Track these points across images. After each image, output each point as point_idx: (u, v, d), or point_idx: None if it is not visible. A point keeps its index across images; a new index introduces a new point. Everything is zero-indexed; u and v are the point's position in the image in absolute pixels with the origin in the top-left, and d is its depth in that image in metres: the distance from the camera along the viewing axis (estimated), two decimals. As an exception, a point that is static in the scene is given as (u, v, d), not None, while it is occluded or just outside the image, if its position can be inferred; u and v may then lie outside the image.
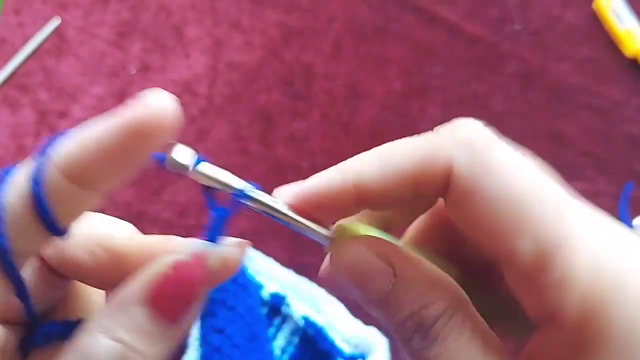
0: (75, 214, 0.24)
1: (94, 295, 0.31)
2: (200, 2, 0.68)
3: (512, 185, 0.23)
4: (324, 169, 0.28)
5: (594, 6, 0.70)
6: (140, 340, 0.23)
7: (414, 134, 0.28)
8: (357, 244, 0.26)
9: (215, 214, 0.25)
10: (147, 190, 0.60)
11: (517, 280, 0.24)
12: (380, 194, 0.26)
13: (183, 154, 0.25)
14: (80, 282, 0.28)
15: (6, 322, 0.27)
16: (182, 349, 0.55)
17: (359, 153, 0.27)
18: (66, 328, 0.26)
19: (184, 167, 0.24)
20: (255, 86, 0.65)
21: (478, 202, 0.24)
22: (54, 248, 0.27)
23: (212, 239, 0.25)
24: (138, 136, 0.23)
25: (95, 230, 0.28)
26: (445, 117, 0.27)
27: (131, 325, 0.23)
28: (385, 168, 0.25)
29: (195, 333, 0.54)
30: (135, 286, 0.24)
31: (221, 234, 0.25)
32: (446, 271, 0.27)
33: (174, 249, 0.26)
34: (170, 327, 0.24)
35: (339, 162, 0.27)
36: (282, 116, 0.64)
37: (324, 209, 0.26)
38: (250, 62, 0.66)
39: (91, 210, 0.25)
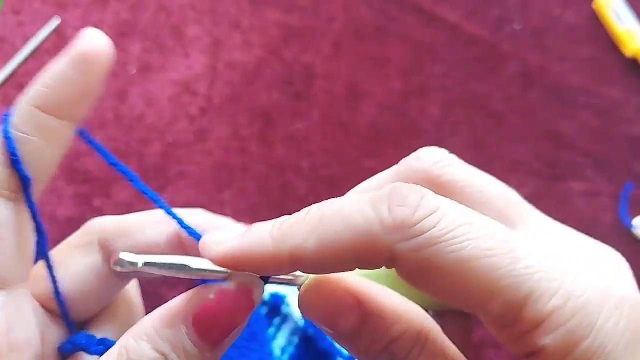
0: (58, 145, 0.28)
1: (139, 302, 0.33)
2: (200, 2, 0.68)
3: (462, 258, 0.22)
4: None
5: (594, 6, 0.70)
6: (180, 357, 0.24)
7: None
8: (322, 283, 0.26)
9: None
10: (147, 190, 0.60)
11: (494, 329, 0.24)
12: (318, 268, 0.25)
13: (129, 255, 0.24)
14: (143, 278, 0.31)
15: (53, 315, 0.28)
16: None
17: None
18: (91, 341, 0.28)
19: (134, 265, 0.24)
20: (255, 86, 0.65)
21: (432, 280, 0.23)
22: (123, 239, 0.30)
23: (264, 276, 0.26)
24: (86, 62, 0.28)
25: (161, 223, 0.30)
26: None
27: (175, 341, 0.24)
28: (323, 247, 0.24)
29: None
30: (183, 305, 0.25)
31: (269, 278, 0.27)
32: (419, 296, 0.27)
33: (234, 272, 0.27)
34: (210, 350, 0.25)
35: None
36: (282, 116, 0.64)
37: (255, 268, 0.25)
38: (250, 62, 0.66)
39: (68, 142, 0.29)
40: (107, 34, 0.30)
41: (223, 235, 0.25)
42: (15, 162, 0.26)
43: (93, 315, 0.31)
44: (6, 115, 0.28)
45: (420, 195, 0.24)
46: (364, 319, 0.26)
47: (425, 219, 0.23)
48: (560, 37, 0.69)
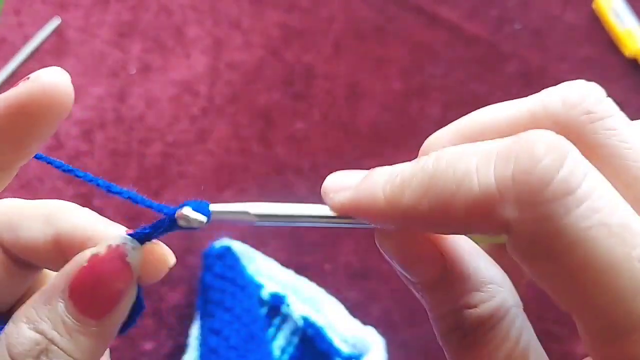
0: None
1: None
2: (200, 2, 0.68)
3: (581, 261, 0.19)
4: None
5: (594, 6, 0.70)
6: (61, 333, 0.23)
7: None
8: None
9: (164, 220, 0.24)
10: (148, 190, 0.60)
11: (585, 339, 0.21)
12: (431, 229, 0.23)
13: (193, 212, 0.24)
14: (38, 264, 0.28)
15: None
16: (183, 347, 0.55)
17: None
18: None
19: (200, 222, 0.23)
20: (256, 86, 0.65)
21: (541, 269, 0.20)
22: (9, 232, 0.27)
23: (140, 235, 0.24)
24: (30, 113, 0.22)
25: (43, 209, 0.27)
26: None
27: (53, 318, 0.23)
28: (436, 211, 0.21)
29: (195, 333, 0.54)
30: (59, 278, 0.24)
31: (155, 235, 0.24)
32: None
33: (104, 238, 0.25)
34: (93, 324, 0.23)
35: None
36: (282, 116, 0.64)
37: (370, 221, 0.24)
38: (251, 62, 0.66)
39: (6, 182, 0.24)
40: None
41: (341, 182, 0.24)
42: None
43: (12, 306, 0.30)
44: None
45: (559, 163, 0.19)
46: (444, 274, 0.23)
47: (559, 198, 0.18)
48: (560, 37, 0.69)
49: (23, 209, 0.28)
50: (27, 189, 0.59)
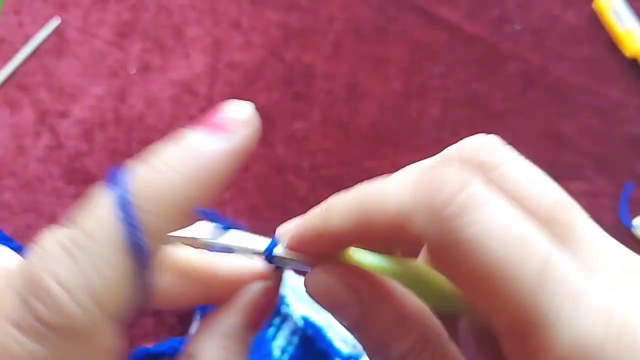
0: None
1: None
2: (200, 2, 0.68)
3: (485, 261, 0.21)
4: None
5: (594, 6, 0.70)
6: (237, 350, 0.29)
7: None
8: (325, 272, 0.27)
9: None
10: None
11: (503, 346, 0.23)
12: (360, 245, 0.27)
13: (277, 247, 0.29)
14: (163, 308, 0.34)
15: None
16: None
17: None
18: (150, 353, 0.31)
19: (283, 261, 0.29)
20: (255, 86, 0.65)
21: (450, 274, 0.23)
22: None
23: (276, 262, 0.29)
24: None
25: (167, 260, 0.31)
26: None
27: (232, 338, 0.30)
28: (361, 228, 0.25)
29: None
30: (240, 313, 0.30)
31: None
32: (446, 294, 0.26)
33: (255, 273, 0.31)
34: (253, 334, 0.30)
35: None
36: (282, 116, 0.64)
37: (313, 249, 0.28)
38: (250, 62, 0.66)
39: None
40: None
41: (287, 226, 0.29)
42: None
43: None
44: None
45: (461, 188, 0.22)
46: (366, 312, 0.26)
47: (463, 211, 0.21)
48: (560, 37, 0.69)
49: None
50: (27, 189, 0.59)
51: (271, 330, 0.55)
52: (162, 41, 0.66)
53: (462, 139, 0.27)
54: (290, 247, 0.28)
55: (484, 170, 0.26)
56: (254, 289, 0.30)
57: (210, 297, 0.31)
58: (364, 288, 0.26)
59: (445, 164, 0.25)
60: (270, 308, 0.30)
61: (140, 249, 0.22)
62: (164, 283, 0.30)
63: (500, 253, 0.21)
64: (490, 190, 0.22)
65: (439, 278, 0.27)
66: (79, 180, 0.59)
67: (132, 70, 0.64)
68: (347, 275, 0.27)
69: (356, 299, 0.26)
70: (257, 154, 0.62)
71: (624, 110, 0.66)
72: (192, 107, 0.63)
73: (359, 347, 0.54)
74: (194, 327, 0.55)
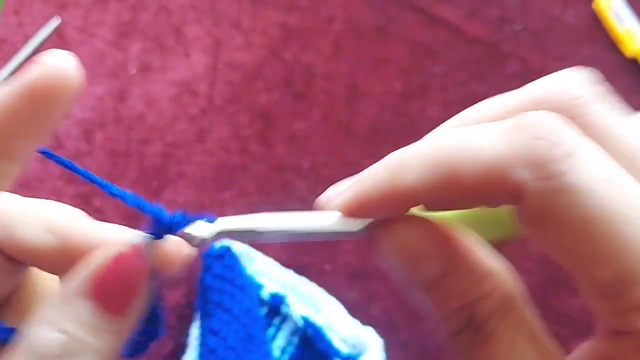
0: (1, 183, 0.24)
1: (50, 282, 0.31)
2: (200, 2, 0.68)
3: (590, 213, 0.20)
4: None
5: (594, 6, 0.70)
6: (85, 332, 0.23)
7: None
8: (408, 225, 0.24)
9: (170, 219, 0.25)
10: (148, 190, 0.60)
11: (593, 297, 0.22)
12: (437, 205, 0.23)
13: (199, 228, 0.25)
14: (34, 266, 0.28)
15: None
16: (183, 347, 0.55)
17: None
18: (9, 333, 0.27)
19: (203, 240, 0.25)
20: (255, 86, 0.65)
21: (550, 229, 0.21)
22: (3, 230, 0.27)
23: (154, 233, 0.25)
24: (41, 97, 0.23)
25: (43, 214, 0.28)
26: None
27: (75, 317, 0.23)
28: (445, 183, 0.22)
29: (195, 333, 0.54)
30: (79, 278, 0.24)
31: (163, 234, 0.25)
32: (510, 224, 0.24)
33: (116, 238, 0.26)
34: (114, 320, 0.24)
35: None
36: (282, 116, 0.64)
37: (374, 211, 0.24)
38: (250, 62, 0.66)
39: (10, 182, 0.25)
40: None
41: (339, 188, 0.25)
42: None
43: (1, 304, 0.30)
44: None
45: (564, 130, 0.21)
46: (448, 269, 0.23)
47: (565, 159, 0.20)
48: (560, 37, 0.69)
49: (20, 214, 0.28)
50: (27, 189, 0.58)
51: (271, 330, 0.55)
52: (162, 41, 0.66)
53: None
54: (349, 212, 0.24)
55: (577, 104, 0.24)
56: (102, 255, 0.24)
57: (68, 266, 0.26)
58: (444, 241, 0.24)
59: (536, 109, 0.23)
60: (135, 290, 0.24)
61: None
62: (35, 234, 0.27)
63: (606, 203, 0.20)
64: (587, 139, 0.21)
65: (500, 211, 0.24)
66: (79, 180, 0.59)
67: (132, 70, 0.64)
68: (425, 228, 0.24)
69: (437, 252, 0.23)
70: (257, 154, 0.62)
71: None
72: (192, 107, 0.63)
73: (359, 347, 0.54)
74: (194, 327, 0.55)
